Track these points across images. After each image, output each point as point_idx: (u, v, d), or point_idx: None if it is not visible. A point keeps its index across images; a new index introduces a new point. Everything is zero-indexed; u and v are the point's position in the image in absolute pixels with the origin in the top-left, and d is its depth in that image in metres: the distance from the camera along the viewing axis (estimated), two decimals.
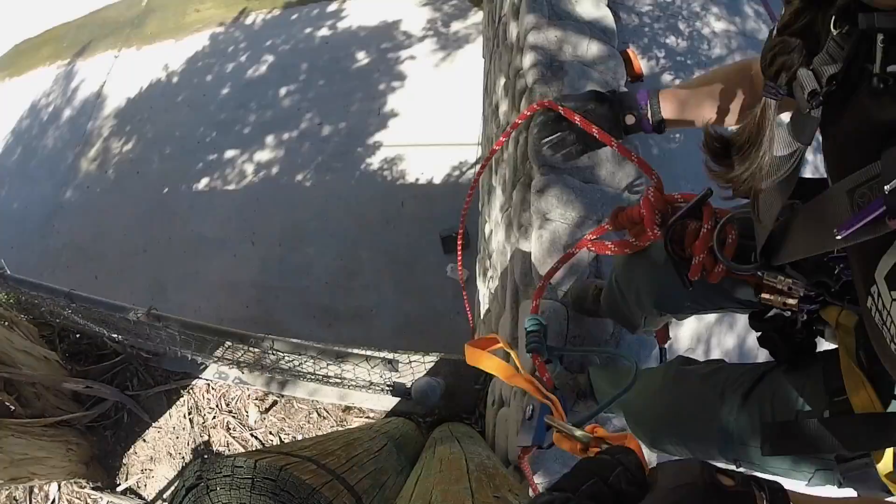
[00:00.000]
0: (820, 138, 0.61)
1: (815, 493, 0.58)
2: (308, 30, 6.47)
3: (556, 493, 0.47)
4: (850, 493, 0.83)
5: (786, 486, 0.51)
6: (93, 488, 2.55)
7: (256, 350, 2.47)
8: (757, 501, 0.47)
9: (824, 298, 0.77)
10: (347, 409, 2.51)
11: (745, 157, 0.65)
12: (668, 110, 0.88)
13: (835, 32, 0.52)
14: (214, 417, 2.59)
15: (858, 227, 0.46)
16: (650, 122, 0.90)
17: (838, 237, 0.48)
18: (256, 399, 2.57)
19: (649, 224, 0.90)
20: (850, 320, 0.73)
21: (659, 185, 0.93)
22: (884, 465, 0.70)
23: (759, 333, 0.91)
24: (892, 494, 0.73)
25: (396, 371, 2.39)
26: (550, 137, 0.99)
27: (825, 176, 0.63)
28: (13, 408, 2.29)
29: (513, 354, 1.01)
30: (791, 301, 0.79)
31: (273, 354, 2.41)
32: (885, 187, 0.41)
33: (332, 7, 6.60)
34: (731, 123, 0.85)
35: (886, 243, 0.48)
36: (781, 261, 0.71)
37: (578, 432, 0.66)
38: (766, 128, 0.61)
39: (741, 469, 0.91)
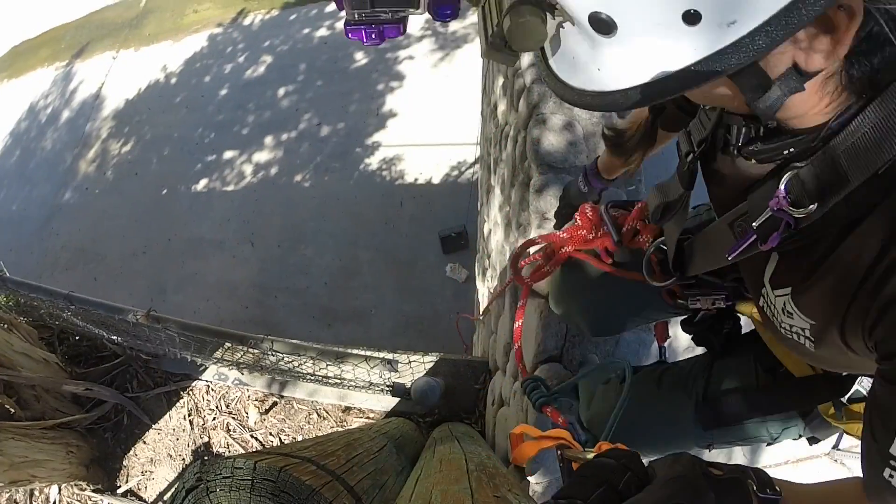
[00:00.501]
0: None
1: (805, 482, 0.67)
2: (306, 30, 6.47)
3: (564, 502, 0.46)
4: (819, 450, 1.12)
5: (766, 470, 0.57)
6: (93, 490, 2.55)
7: (256, 351, 2.47)
8: (747, 486, 0.50)
9: (740, 294, 0.94)
10: (347, 409, 2.51)
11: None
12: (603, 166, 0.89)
13: (705, 106, 0.68)
14: (214, 419, 2.58)
15: (741, 250, 0.63)
16: (593, 173, 0.91)
17: (728, 258, 0.65)
18: (256, 400, 2.57)
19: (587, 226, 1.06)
20: (754, 309, 0.86)
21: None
22: (824, 408, 0.92)
23: (693, 335, 1.07)
24: (849, 434, 0.93)
25: (396, 371, 2.39)
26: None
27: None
28: (13, 410, 2.29)
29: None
30: (717, 300, 0.95)
31: (273, 355, 2.41)
32: (753, 224, 0.59)
33: (330, 7, 6.59)
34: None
35: (767, 257, 0.65)
36: (691, 273, 0.86)
37: (590, 455, 0.66)
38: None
39: (714, 451, 1.13)
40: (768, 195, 0.56)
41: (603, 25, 0.43)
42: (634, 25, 0.43)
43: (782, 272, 0.63)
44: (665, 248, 0.91)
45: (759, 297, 0.70)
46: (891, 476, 0.51)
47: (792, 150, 0.54)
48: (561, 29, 0.49)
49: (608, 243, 1.03)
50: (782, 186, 0.54)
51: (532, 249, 1.24)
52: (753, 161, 0.59)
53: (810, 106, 0.50)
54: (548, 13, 0.47)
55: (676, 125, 0.81)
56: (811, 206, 0.52)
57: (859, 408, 0.84)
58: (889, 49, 0.45)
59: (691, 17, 0.41)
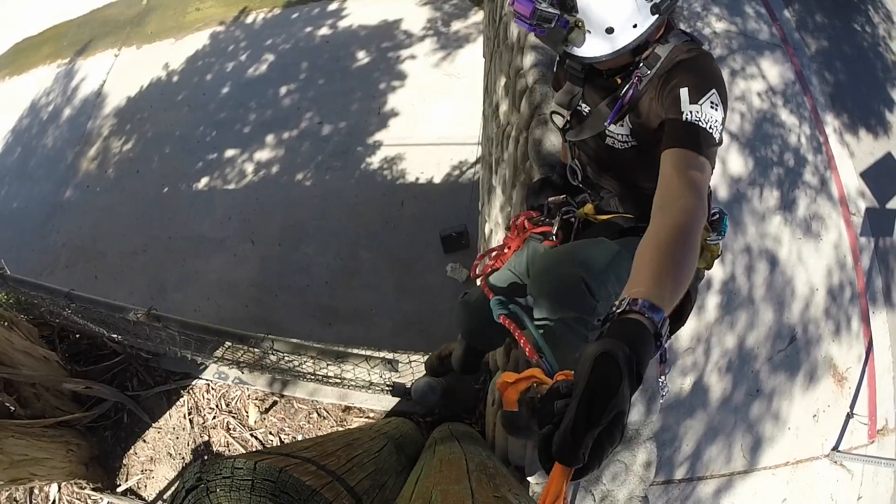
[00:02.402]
0: None
1: None
2: (308, 29, 6.47)
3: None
4: None
5: None
6: (93, 489, 2.55)
7: (256, 350, 2.46)
8: (641, 322, 0.67)
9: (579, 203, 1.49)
10: (347, 409, 2.50)
11: None
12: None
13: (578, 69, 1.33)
14: (214, 418, 2.58)
15: (615, 112, 1.21)
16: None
17: (607, 123, 1.24)
18: (256, 399, 2.57)
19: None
20: (590, 208, 1.44)
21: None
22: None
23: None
24: None
25: (396, 371, 2.38)
26: None
27: None
28: (13, 408, 2.29)
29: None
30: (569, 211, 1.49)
31: (273, 355, 2.40)
32: (620, 94, 1.21)
33: (332, 6, 6.59)
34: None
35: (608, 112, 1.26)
36: (580, 138, 1.36)
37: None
38: None
39: None
40: (625, 83, 1.19)
41: (610, 31, 1.08)
42: (619, 32, 1.09)
43: (620, 114, 1.22)
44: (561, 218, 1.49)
45: (606, 136, 1.27)
46: (688, 116, 1.01)
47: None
48: (587, 34, 1.09)
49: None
50: (641, 67, 1.16)
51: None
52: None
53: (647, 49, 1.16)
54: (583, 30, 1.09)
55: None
56: (648, 73, 1.14)
57: None
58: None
59: (632, 26, 1.08)
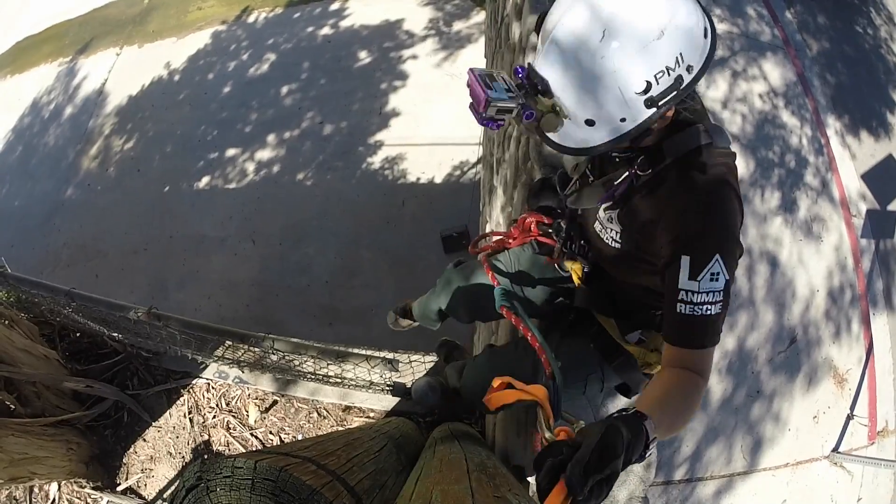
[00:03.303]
0: None
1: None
2: (310, 28, 6.47)
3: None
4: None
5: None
6: (93, 488, 2.55)
7: (257, 350, 2.46)
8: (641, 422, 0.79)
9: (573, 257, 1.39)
10: (348, 408, 2.50)
11: None
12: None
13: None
14: (214, 417, 2.58)
15: (608, 196, 1.13)
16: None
17: (598, 203, 1.17)
18: (257, 399, 2.57)
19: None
20: (577, 266, 1.39)
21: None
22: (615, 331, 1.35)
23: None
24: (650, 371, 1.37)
25: (397, 371, 2.38)
26: None
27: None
28: (13, 407, 2.29)
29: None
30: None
31: (273, 354, 2.40)
32: (615, 182, 1.11)
33: (334, 6, 6.60)
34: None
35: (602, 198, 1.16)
36: (578, 206, 1.27)
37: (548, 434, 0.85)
38: None
39: None
40: (624, 170, 1.08)
41: (590, 123, 0.96)
42: (601, 124, 0.96)
43: (611, 204, 1.14)
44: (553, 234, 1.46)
45: (595, 220, 1.22)
46: (681, 308, 0.96)
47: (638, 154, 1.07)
48: (566, 120, 0.97)
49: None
50: (637, 164, 1.06)
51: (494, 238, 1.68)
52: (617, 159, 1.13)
53: (650, 140, 1.04)
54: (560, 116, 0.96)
55: None
56: (648, 171, 1.05)
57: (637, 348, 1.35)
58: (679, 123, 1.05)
59: (620, 120, 0.95)
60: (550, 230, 1.48)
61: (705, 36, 0.92)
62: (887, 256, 3.79)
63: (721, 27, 4.38)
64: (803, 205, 3.73)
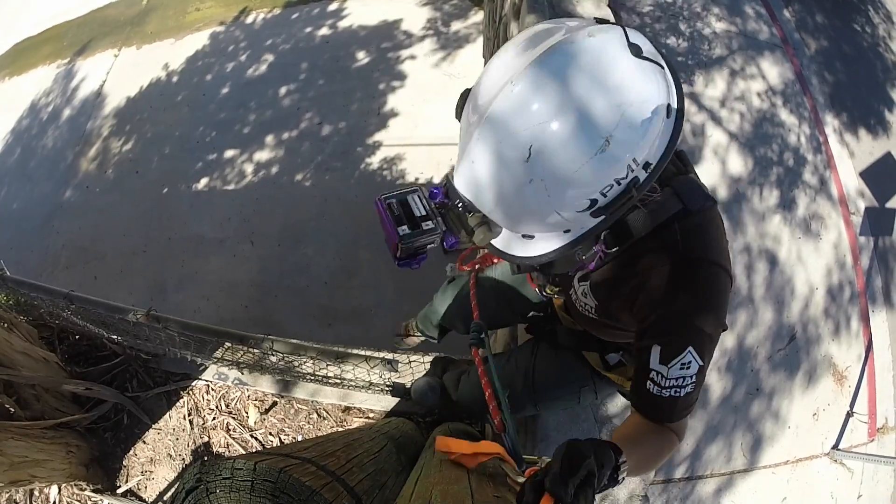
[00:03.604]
0: None
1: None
2: (308, 29, 6.46)
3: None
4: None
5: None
6: (93, 490, 2.55)
7: (256, 351, 2.46)
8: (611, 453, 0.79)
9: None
10: (347, 409, 2.50)
11: None
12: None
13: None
14: (214, 419, 2.58)
15: (577, 269, 1.10)
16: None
17: (570, 273, 1.13)
18: (256, 400, 2.57)
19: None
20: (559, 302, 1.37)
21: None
22: (595, 361, 1.37)
23: (527, 326, 1.62)
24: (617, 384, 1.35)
25: (396, 371, 2.38)
26: None
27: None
28: (13, 410, 2.29)
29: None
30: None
31: (273, 355, 2.40)
32: (584, 258, 0.96)
33: (332, 6, 6.59)
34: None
35: (580, 270, 1.10)
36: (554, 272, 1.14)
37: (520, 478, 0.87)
38: None
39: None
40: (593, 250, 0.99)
41: (528, 237, 0.86)
42: (541, 238, 0.85)
43: (587, 278, 1.08)
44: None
45: (571, 288, 1.16)
46: (650, 387, 0.92)
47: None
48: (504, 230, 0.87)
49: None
50: (603, 240, 0.96)
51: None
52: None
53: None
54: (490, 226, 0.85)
55: None
56: (615, 248, 0.96)
57: (616, 375, 1.33)
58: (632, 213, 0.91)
59: (564, 231, 0.85)
60: None
61: (668, 115, 0.75)
62: (886, 253, 3.80)
63: (719, 26, 4.39)
64: (802, 203, 3.74)
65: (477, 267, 1.62)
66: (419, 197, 0.90)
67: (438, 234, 0.86)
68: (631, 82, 0.70)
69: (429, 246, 0.87)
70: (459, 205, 0.84)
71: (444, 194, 0.86)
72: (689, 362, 0.90)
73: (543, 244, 0.86)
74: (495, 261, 1.60)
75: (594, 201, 0.75)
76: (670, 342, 0.90)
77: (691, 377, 0.91)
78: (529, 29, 0.77)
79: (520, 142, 0.71)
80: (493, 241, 0.90)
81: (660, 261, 0.91)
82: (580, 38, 0.70)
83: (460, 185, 0.81)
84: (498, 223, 0.84)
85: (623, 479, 0.80)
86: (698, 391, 0.94)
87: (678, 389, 0.91)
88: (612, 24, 0.75)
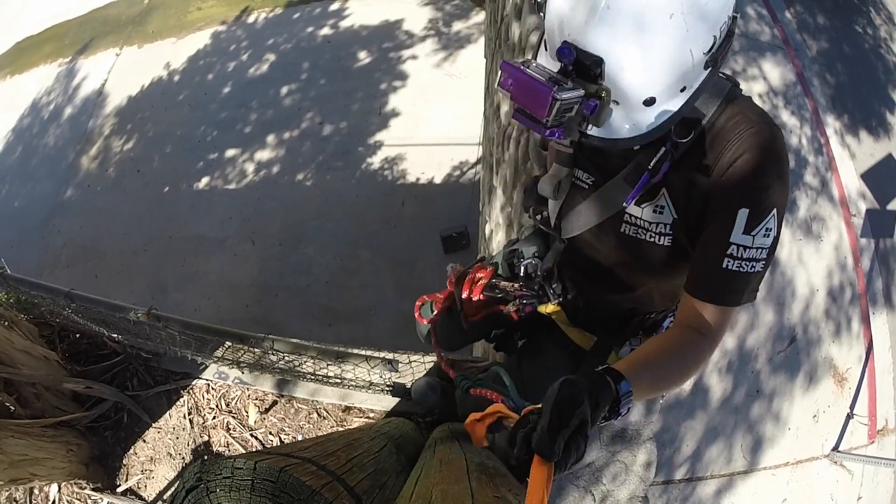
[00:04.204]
0: None
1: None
2: (310, 29, 6.46)
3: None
4: None
5: None
6: (93, 489, 2.55)
7: (256, 350, 2.46)
8: (609, 382, 0.75)
9: (541, 299, 1.26)
10: (347, 409, 2.50)
11: None
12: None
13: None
14: (214, 418, 2.58)
15: (638, 190, 0.92)
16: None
17: (626, 203, 0.95)
18: (256, 399, 2.57)
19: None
20: (556, 308, 1.27)
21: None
22: (612, 358, 1.23)
23: (495, 344, 1.48)
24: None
25: (396, 371, 2.38)
26: None
27: None
28: (13, 408, 2.29)
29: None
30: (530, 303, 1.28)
31: (273, 355, 2.40)
32: (649, 166, 0.91)
33: (334, 6, 6.59)
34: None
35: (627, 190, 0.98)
36: (568, 234, 1.11)
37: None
38: None
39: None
40: (658, 146, 0.88)
41: (650, 103, 0.80)
42: (662, 101, 0.80)
43: (654, 194, 0.94)
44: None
45: (622, 223, 1.00)
46: (728, 263, 0.86)
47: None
48: (614, 105, 0.81)
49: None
50: (672, 132, 0.86)
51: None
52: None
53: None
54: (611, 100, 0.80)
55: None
56: (689, 135, 0.87)
57: None
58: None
59: (680, 90, 0.81)
60: (498, 292, 1.30)
61: None
62: (887, 255, 3.79)
63: None
64: (803, 204, 3.73)
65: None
66: (537, 65, 0.80)
67: (580, 97, 0.76)
68: None
69: (567, 116, 0.77)
70: (591, 68, 0.76)
71: (572, 57, 0.76)
72: (772, 229, 0.86)
73: (656, 111, 0.81)
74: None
75: (714, 40, 0.77)
76: (759, 202, 0.86)
77: (769, 248, 0.87)
78: None
79: None
80: (598, 132, 0.84)
81: (737, 133, 0.87)
82: None
83: (594, 38, 0.75)
84: (626, 86, 0.78)
85: (627, 410, 0.76)
86: (768, 267, 0.90)
87: (755, 263, 0.87)
88: None
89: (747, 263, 0.86)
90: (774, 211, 0.86)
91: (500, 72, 0.77)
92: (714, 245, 0.88)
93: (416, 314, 1.49)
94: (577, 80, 0.77)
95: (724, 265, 0.86)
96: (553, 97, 0.72)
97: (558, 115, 0.75)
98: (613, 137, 0.84)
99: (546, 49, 0.85)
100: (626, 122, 0.83)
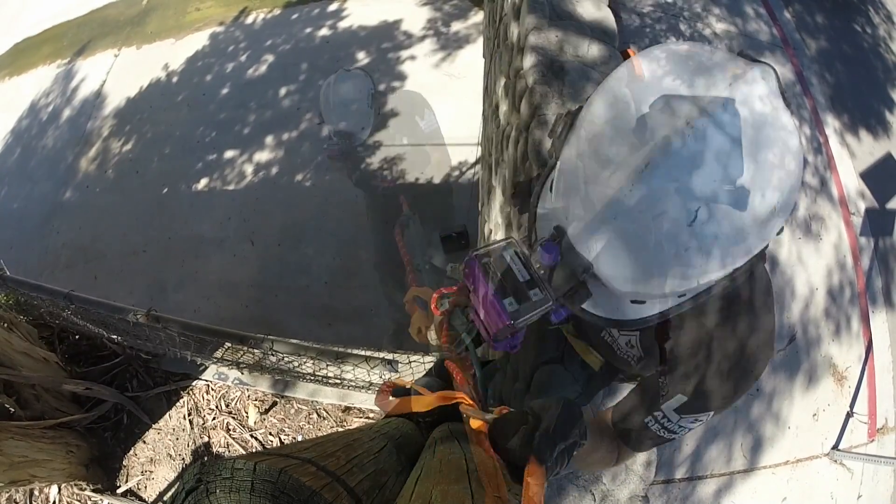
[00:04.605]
0: None
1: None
2: (308, 29, 6.46)
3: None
4: None
5: None
6: (93, 490, 2.55)
7: (256, 351, 2.46)
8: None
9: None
10: (347, 409, 2.51)
11: None
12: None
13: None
14: (214, 418, 2.58)
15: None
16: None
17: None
18: (256, 400, 2.57)
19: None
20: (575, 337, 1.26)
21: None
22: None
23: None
24: None
25: (396, 371, 2.38)
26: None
27: None
28: (13, 410, 2.29)
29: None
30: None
31: (273, 355, 2.40)
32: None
33: (332, 7, 6.59)
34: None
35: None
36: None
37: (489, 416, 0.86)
38: None
39: None
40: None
41: (639, 300, 0.71)
42: (652, 304, 0.72)
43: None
44: None
45: (602, 332, 1.03)
46: (649, 423, 0.89)
47: None
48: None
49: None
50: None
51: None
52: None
53: None
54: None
55: None
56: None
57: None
58: None
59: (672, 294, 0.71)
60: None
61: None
62: (886, 254, 3.79)
63: (719, 26, 4.39)
64: (802, 203, 3.74)
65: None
66: (517, 254, 0.69)
67: (550, 307, 0.66)
68: (792, 131, 0.66)
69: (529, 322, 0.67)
70: (575, 270, 0.66)
71: (555, 257, 0.65)
72: (702, 421, 0.88)
73: (646, 309, 0.73)
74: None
75: (736, 268, 0.66)
76: (698, 403, 0.84)
77: (691, 429, 0.90)
78: (684, 50, 0.65)
79: (697, 197, 0.58)
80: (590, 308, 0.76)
81: (726, 326, 0.82)
82: (755, 88, 0.63)
83: (588, 242, 0.64)
84: (613, 287, 0.66)
85: (568, 462, 0.74)
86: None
87: (672, 435, 0.90)
88: (765, 64, 0.66)
89: (666, 432, 0.90)
90: (708, 415, 0.87)
91: (464, 265, 0.70)
92: (647, 397, 0.92)
93: (432, 305, 1.39)
94: (558, 273, 0.67)
95: (646, 422, 0.91)
96: (510, 323, 0.66)
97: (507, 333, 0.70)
98: (591, 311, 0.76)
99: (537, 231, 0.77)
100: (607, 305, 0.75)
